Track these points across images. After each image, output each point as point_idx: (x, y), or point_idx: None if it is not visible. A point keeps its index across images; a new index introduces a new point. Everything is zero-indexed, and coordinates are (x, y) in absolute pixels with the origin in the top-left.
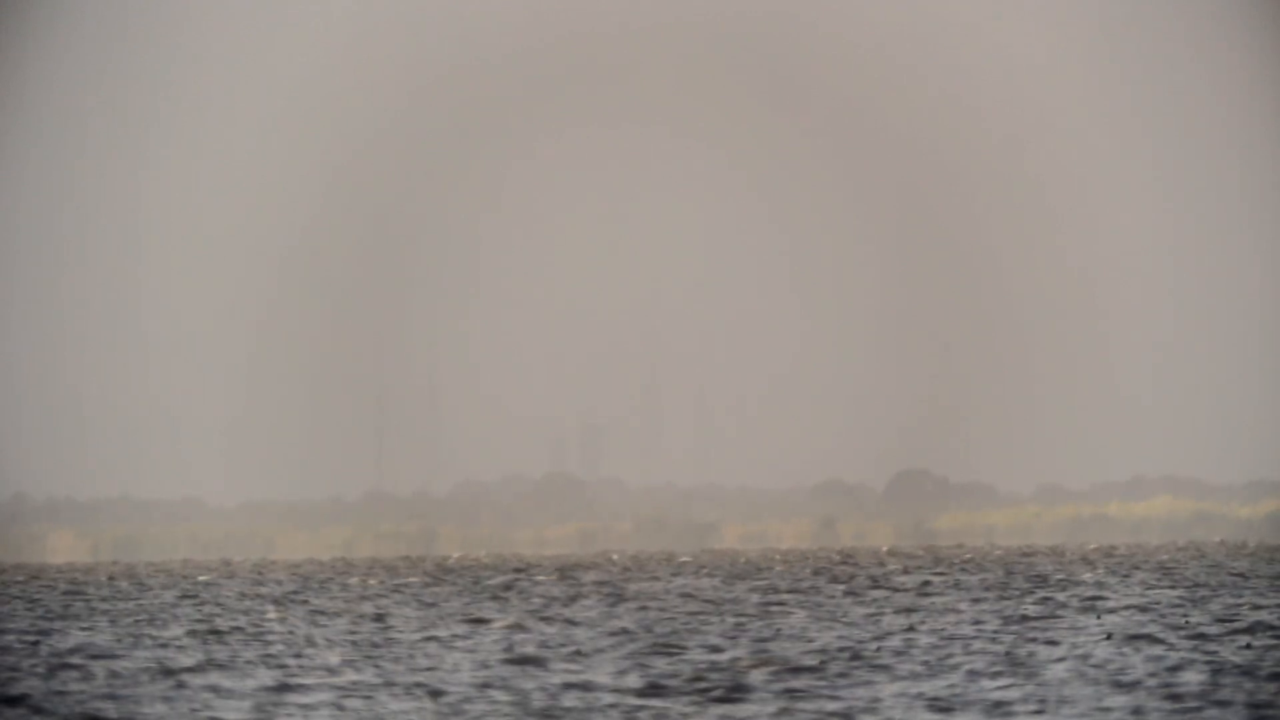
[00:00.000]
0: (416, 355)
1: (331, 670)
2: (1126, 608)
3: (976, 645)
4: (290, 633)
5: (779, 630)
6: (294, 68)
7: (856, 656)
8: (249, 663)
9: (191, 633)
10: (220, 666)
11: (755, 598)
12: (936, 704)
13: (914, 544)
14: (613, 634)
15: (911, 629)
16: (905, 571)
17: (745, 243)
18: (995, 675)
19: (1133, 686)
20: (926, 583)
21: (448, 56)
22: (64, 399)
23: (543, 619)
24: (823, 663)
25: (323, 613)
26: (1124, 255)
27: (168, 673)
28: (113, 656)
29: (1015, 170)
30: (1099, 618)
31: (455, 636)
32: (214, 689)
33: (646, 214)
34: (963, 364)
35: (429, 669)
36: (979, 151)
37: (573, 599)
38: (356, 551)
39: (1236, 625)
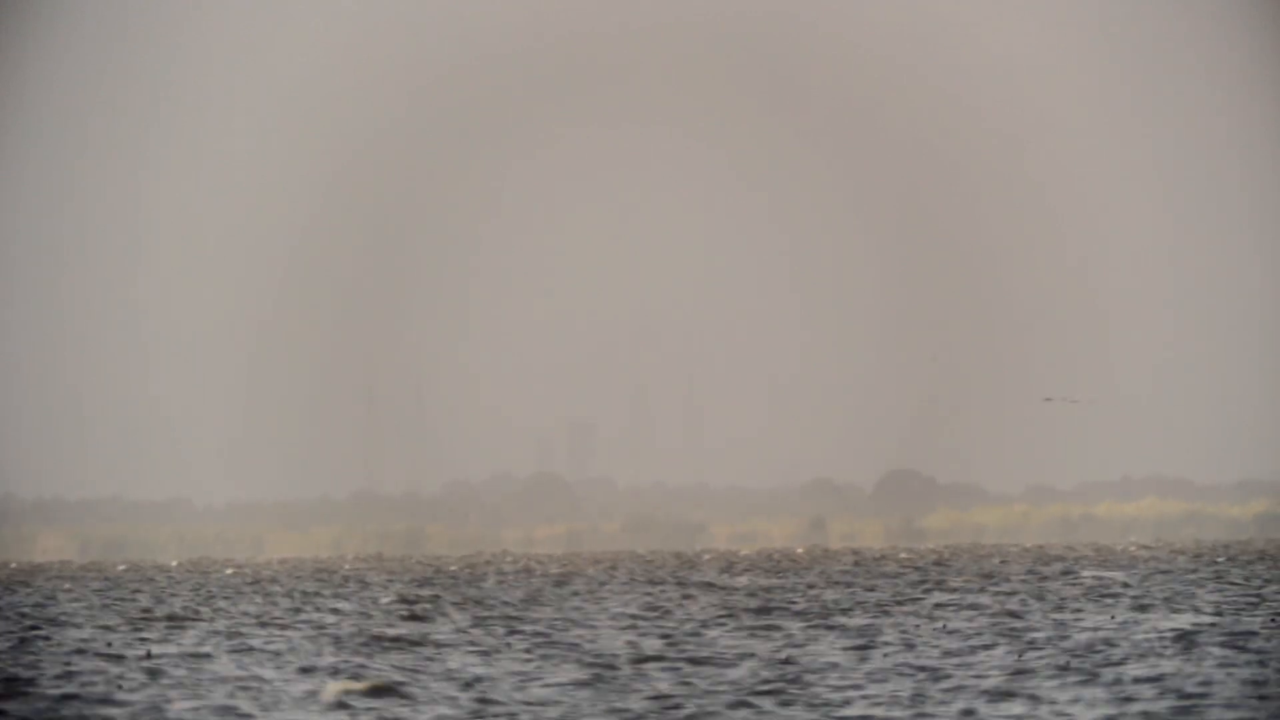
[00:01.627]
0: (405, 356)
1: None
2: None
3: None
4: None
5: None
6: (294, 68)
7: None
8: None
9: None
10: None
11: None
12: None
13: (904, 543)
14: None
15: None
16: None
17: (740, 244)
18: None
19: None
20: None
21: (448, 56)
22: (63, 399)
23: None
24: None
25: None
26: (1119, 256)
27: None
28: None
29: (1015, 170)
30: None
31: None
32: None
33: (644, 214)
34: (952, 364)
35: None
36: (979, 151)
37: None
38: (346, 551)
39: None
